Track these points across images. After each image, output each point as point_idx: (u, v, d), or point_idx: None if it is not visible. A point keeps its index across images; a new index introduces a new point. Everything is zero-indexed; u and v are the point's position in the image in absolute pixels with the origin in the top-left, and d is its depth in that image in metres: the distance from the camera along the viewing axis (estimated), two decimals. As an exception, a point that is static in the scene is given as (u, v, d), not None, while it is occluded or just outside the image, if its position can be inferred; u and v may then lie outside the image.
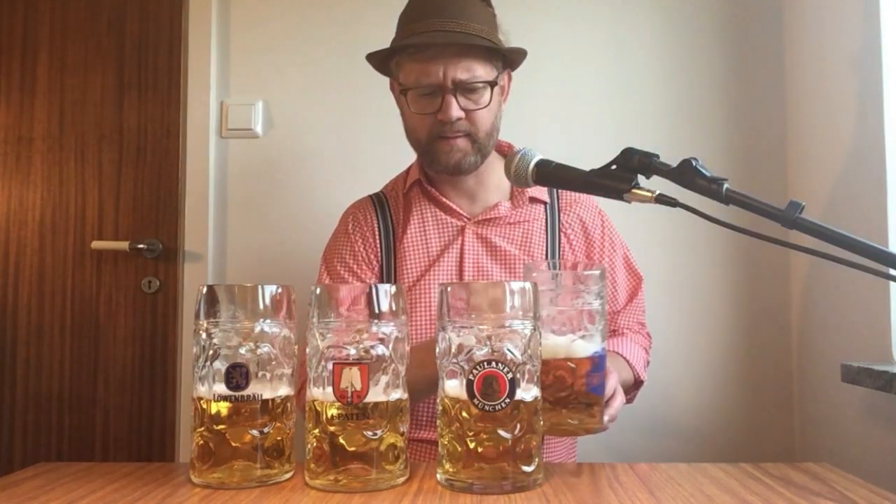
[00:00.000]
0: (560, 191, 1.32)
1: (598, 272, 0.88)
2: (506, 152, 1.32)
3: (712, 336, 1.79)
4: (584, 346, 0.84)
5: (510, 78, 1.29)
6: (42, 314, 1.97)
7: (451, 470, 0.74)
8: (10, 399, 1.97)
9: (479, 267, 1.24)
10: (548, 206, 1.30)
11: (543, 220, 1.29)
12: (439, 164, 1.23)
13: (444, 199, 1.27)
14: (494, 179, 1.29)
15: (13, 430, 1.97)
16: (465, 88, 1.16)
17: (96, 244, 1.94)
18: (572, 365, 0.84)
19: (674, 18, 1.86)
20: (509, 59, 1.24)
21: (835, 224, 0.75)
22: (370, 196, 1.37)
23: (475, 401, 0.72)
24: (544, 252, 1.27)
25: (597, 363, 0.86)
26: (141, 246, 1.92)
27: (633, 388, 1.24)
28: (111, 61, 2.01)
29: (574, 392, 0.85)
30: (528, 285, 0.75)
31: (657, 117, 1.84)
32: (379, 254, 1.29)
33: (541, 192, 1.30)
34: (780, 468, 0.84)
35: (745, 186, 0.86)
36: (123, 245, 1.92)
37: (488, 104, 1.18)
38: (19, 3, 2.04)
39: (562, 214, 1.31)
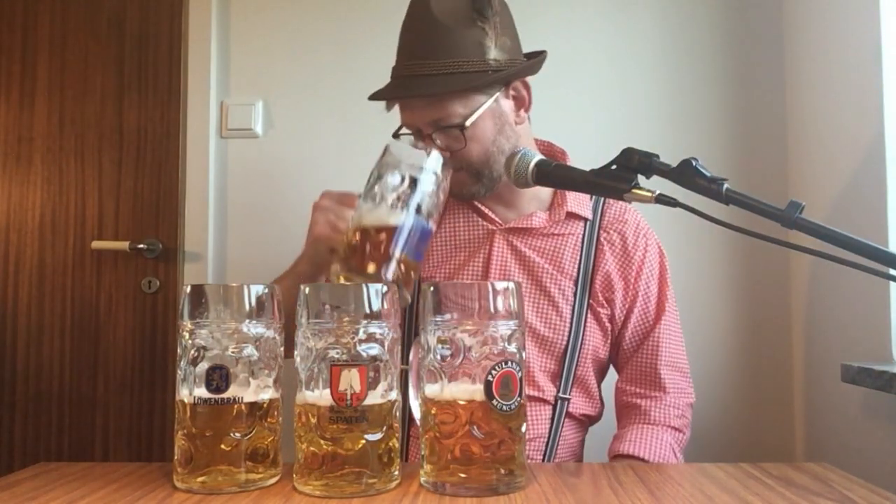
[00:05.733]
0: (605, 208, 1.26)
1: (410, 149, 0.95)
2: (547, 153, 1.27)
3: (712, 336, 1.79)
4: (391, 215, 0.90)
5: (526, 85, 1.21)
6: (42, 314, 1.97)
7: (463, 476, 0.72)
8: (10, 399, 1.97)
9: (505, 274, 1.20)
10: (588, 224, 1.24)
11: (580, 237, 1.23)
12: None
13: (477, 203, 1.24)
14: (531, 189, 1.21)
15: (13, 430, 1.97)
16: (443, 129, 1.13)
17: (96, 244, 1.95)
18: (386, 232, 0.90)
19: (673, 18, 1.86)
20: (501, 80, 1.16)
21: (835, 224, 0.75)
22: None
23: (494, 402, 0.71)
24: (576, 268, 1.21)
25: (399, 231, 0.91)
26: (141, 246, 1.92)
27: None
28: (111, 61, 2.01)
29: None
30: (512, 284, 0.75)
31: (657, 117, 1.84)
32: None
33: (583, 207, 1.24)
34: (780, 468, 0.84)
35: (745, 186, 0.86)
36: (123, 245, 1.92)
37: (465, 143, 1.13)
38: (19, 3, 2.04)
39: (602, 232, 1.24)
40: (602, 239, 1.24)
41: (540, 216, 1.23)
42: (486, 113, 1.15)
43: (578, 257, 1.22)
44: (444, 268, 1.22)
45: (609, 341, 1.26)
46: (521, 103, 1.21)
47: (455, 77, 1.11)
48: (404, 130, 1.20)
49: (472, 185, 1.18)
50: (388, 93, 1.17)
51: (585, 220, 1.25)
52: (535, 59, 1.20)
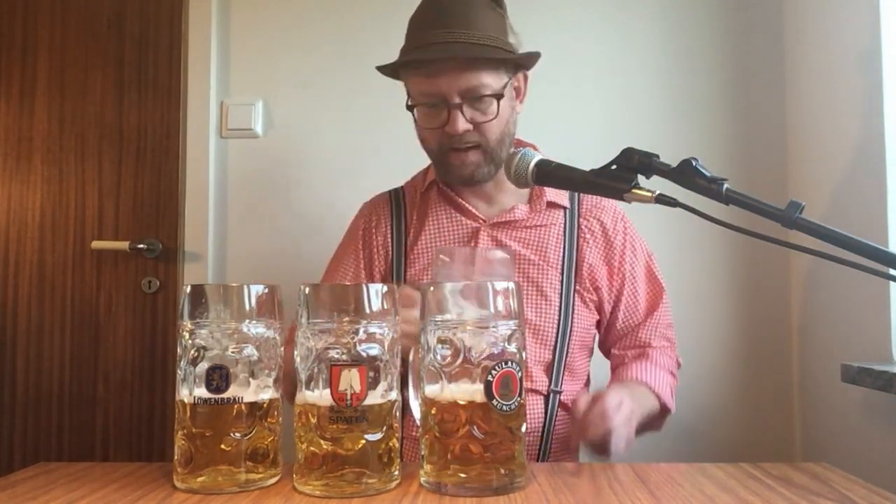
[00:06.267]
0: (582, 196, 1.29)
1: (506, 256, 0.85)
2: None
3: (712, 336, 1.79)
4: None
5: (526, 78, 1.25)
6: (42, 314, 1.97)
7: (463, 476, 0.72)
8: (10, 399, 1.97)
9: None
10: (567, 212, 1.27)
11: (562, 225, 1.26)
12: (453, 175, 1.22)
13: (460, 201, 1.26)
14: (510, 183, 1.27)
15: (13, 430, 1.97)
16: (472, 100, 1.14)
17: (96, 244, 1.94)
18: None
19: (674, 18, 1.86)
20: (521, 62, 1.21)
21: (835, 224, 0.75)
22: (389, 192, 1.36)
23: (494, 402, 0.71)
24: (560, 257, 1.24)
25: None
26: (141, 246, 1.92)
27: (659, 416, 1.20)
28: (111, 61, 2.01)
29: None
30: (512, 284, 0.76)
31: (657, 117, 1.84)
32: (390, 256, 1.28)
33: (561, 197, 1.27)
34: (780, 468, 0.84)
35: (745, 186, 0.86)
36: (123, 245, 1.92)
37: (496, 115, 1.15)
38: (19, 3, 2.04)
39: (581, 220, 1.27)
40: (583, 227, 1.27)
41: (521, 209, 1.25)
42: (507, 91, 1.17)
43: (562, 246, 1.25)
44: (431, 270, 1.22)
45: (595, 323, 1.28)
46: (519, 94, 1.25)
47: (491, 49, 1.14)
48: (425, 100, 1.17)
49: (484, 164, 1.19)
50: (427, 53, 1.14)
51: (564, 208, 1.27)
52: (536, 54, 1.22)
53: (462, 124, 1.14)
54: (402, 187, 1.36)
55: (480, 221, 1.25)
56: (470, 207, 1.26)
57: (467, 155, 1.18)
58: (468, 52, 1.12)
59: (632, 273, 1.28)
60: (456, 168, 1.20)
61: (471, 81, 1.13)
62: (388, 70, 1.22)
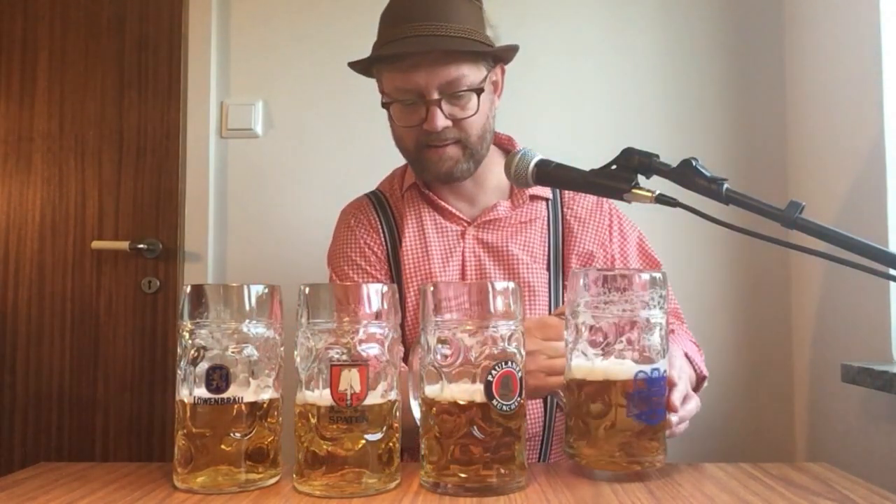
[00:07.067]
0: None
1: (655, 276, 0.78)
2: (506, 146, 1.29)
3: (712, 336, 1.79)
4: (627, 364, 0.76)
5: (503, 72, 1.23)
6: (42, 314, 1.97)
7: (463, 476, 0.72)
8: (10, 399, 1.97)
9: (481, 271, 1.20)
10: (549, 203, 1.26)
11: (545, 218, 1.24)
12: (430, 173, 1.19)
13: (442, 203, 1.23)
14: (493, 180, 1.25)
15: (13, 430, 1.97)
16: (451, 96, 1.11)
17: (96, 244, 1.95)
18: (613, 386, 0.76)
19: (674, 18, 1.86)
20: (500, 55, 1.19)
21: (835, 224, 0.75)
22: (367, 196, 1.33)
23: (494, 402, 0.71)
24: (547, 250, 1.23)
25: (643, 386, 0.76)
26: (141, 246, 1.92)
27: (696, 387, 1.10)
28: (111, 61, 2.01)
29: (615, 420, 0.76)
30: (512, 284, 0.75)
31: (657, 117, 1.84)
32: (386, 251, 1.25)
33: (542, 188, 1.24)
34: (780, 468, 0.84)
35: (745, 186, 0.86)
36: (123, 245, 1.93)
37: (476, 110, 1.12)
38: (19, 3, 2.04)
39: (565, 209, 1.25)
40: (568, 216, 1.25)
41: (503, 205, 1.23)
42: (486, 86, 1.15)
43: (546, 240, 1.23)
44: (419, 275, 1.21)
45: None
46: (497, 88, 1.22)
47: (469, 42, 1.11)
48: (401, 97, 1.14)
49: (463, 160, 1.17)
50: (402, 46, 1.10)
51: (547, 199, 1.26)
52: (514, 47, 1.20)
53: (441, 121, 1.11)
54: (378, 189, 1.34)
55: (464, 224, 1.23)
56: (452, 210, 1.23)
57: (445, 150, 1.14)
58: (446, 45, 1.09)
59: (622, 250, 1.25)
60: (433, 164, 1.16)
61: (450, 74, 1.10)
62: (361, 67, 1.19)
